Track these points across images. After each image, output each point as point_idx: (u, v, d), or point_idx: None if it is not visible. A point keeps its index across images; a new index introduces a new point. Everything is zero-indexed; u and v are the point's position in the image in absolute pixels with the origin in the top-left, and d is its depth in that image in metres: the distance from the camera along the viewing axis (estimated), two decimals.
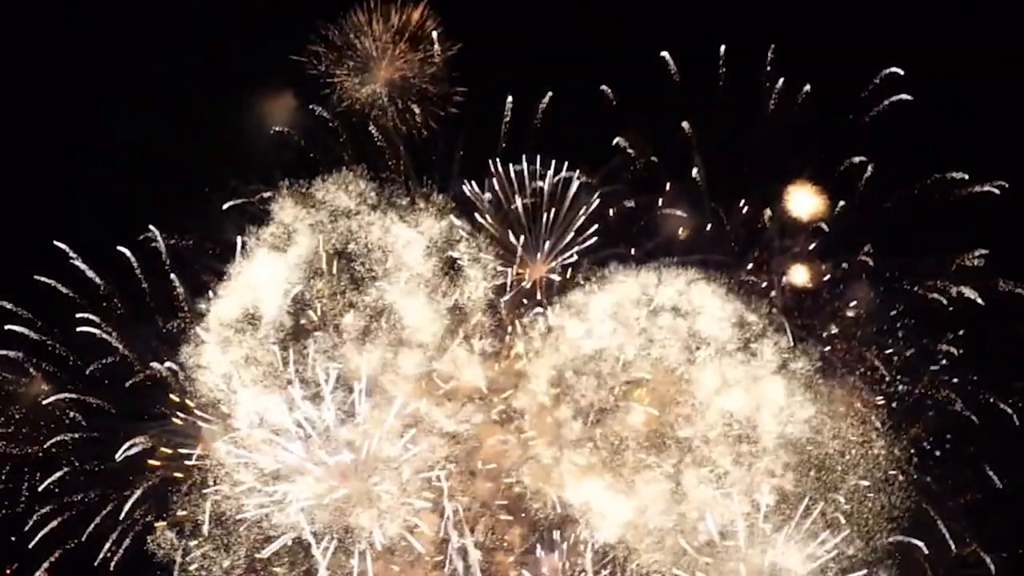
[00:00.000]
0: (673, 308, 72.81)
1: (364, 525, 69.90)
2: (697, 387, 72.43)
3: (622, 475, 71.75)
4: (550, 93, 74.12)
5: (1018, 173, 74.81)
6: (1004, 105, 75.47)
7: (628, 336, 72.46)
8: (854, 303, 75.80)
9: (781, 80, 75.46)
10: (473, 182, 74.39)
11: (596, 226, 73.99)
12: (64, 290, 75.59)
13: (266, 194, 74.04)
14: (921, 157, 74.33)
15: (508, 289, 74.05)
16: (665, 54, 75.46)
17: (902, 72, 74.87)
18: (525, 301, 74.31)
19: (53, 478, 75.79)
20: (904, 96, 74.90)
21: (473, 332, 73.67)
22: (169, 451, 73.88)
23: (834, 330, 75.42)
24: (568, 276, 74.07)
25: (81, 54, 78.45)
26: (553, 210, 73.75)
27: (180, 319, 74.61)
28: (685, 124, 75.88)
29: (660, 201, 76.05)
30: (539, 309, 73.84)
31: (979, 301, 75.24)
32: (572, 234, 74.01)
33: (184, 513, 74.19)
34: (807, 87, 75.53)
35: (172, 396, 73.76)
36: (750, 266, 75.42)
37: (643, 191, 75.61)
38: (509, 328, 74.02)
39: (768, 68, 75.75)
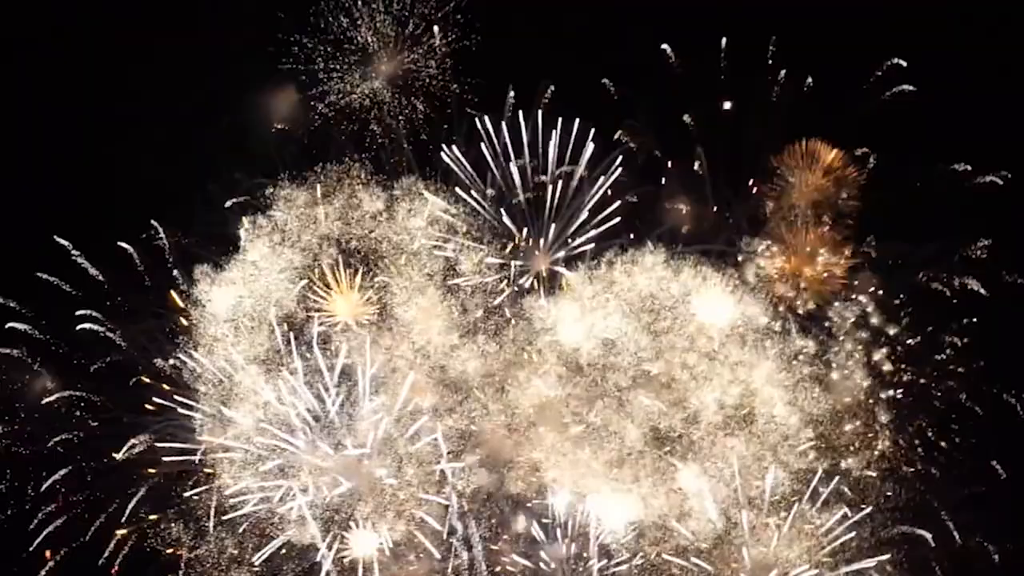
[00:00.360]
0: (677, 299, 73.02)
1: (369, 519, 70.06)
2: (701, 378, 72.57)
3: (628, 467, 71.97)
4: (552, 87, 74.18)
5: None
6: (1008, 96, 75.42)
7: (633, 328, 72.65)
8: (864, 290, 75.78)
9: (783, 72, 75.51)
10: (475, 175, 74.38)
11: (598, 218, 74.06)
12: (67, 287, 75.43)
13: (269, 189, 74.07)
14: (924, 148, 74.20)
15: (511, 281, 74.07)
16: (666, 47, 75.62)
17: (905, 63, 75.00)
18: (528, 293, 74.27)
19: (56, 477, 75.50)
20: (907, 87, 75.00)
21: (477, 325, 73.84)
22: (172, 447, 73.57)
23: (838, 321, 75.26)
24: (571, 268, 73.97)
25: (82, 51, 78.28)
26: (555, 203, 73.81)
27: (183, 314, 74.37)
28: (687, 117, 76.11)
29: (663, 192, 76.03)
30: (542, 301, 73.82)
31: (983, 292, 75.39)
32: (575, 226, 74.05)
33: (187, 510, 74.36)
34: (809, 79, 75.62)
35: (175, 392, 73.43)
36: (754, 256, 75.09)
37: (646, 183, 75.49)
38: (513, 321, 74.06)
39: (770, 61, 75.78)
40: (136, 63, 77.46)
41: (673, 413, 72.11)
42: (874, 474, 73.65)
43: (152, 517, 75.27)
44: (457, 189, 73.92)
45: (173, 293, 74.91)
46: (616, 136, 75.19)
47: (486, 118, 73.42)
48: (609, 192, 74.16)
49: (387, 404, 70.41)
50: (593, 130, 73.04)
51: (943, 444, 75.79)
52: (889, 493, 74.75)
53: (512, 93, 74.19)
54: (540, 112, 73.26)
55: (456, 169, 74.14)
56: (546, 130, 73.18)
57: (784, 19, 75.17)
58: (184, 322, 74.07)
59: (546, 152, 73.47)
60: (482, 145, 73.63)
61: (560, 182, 73.43)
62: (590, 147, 73.21)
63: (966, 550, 75.18)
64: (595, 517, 71.59)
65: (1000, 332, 75.58)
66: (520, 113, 73.21)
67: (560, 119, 73.11)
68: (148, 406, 74.72)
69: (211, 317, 72.46)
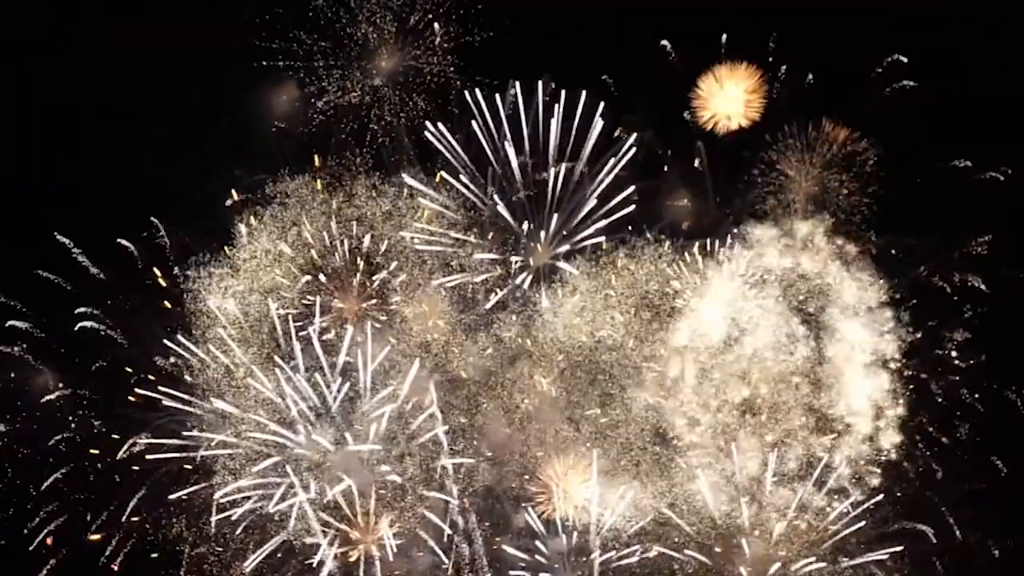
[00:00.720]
0: (676, 293, 73.27)
1: (371, 515, 70.22)
2: (699, 373, 72.76)
3: (628, 461, 72.16)
4: (553, 84, 73.98)
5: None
6: (1008, 92, 75.45)
7: (633, 321, 72.83)
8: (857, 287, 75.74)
9: (784, 67, 75.62)
10: (475, 169, 74.32)
11: (599, 213, 73.93)
12: (67, 286, 75.47)
13: (269, 184, 74.19)
14: (925, 145, 74.26)
15: (512, 276, 74.02)
16: (665, 43, 75.65)
17: (905, 59, 75.08)
18: (529, 287, 74.22)
19: (57, 475, 75.44)
20: (908, 82, 75.04)
21: (478, 321, 73.89)
22: (173, 444, 73.47)
23: (838, 315, 75.18)
24: (572, 261, 73.86)
25: (82, 51, 78.28)
26: (556, 196, 73.68)
27: (183, 311, 74.31)
28: (686, 114, 76.26)
29: (663, 188, 75.94)
30: (543, 297, 73.82)
31: (983, 288, 75.48)
32: (576, 219, 73.92)
33: (188, 508, 74.28)
34: (809, 76, 75.70)
35: (176, 389, 73.37)
36: (754, 250, 75.04)
37: (645, 178, 75.35)
38: (514, 316, 74.10)
39: (770, 58, 75.89)
40: (136, 63, 77.29)
41: (673, 408, 72.36)
42: (876, 469, 73.53)
43: (153, 515, 74.98)
44: (447, 175, 73.93)
45: (156, 270, 75.14)
46: (615, 134, 74.97)
47: (478, 93, 73.36)
48: (610, 179, 74.05)
49: (388, 399, 70.47)
50: (602, 104, 72.89)
51: (944, 440, 75.86)
52: (899, 493, 74.81)
53: (514, 90, 73.98)
54: (541, 105, 73.18)
55: (443, 149, 73.94)
56: (546, 120, 73.12)
57: (784, 16, 75.16)
58: (186, 319, 73.96)
59: (547, 142, 73.34)
60: (475, 125, 73.61)
61: (561, 174, 73.21)
62: (597, 125, 73.00)
63: (966, 546, 75.26)
64: (595, 511, 71.74)
65: (1001, 328, 75.64)
66: (520, 106, 73.17)
67: (563, 93, 72.97)
68: (148, 404, 74.34)
69: (211, 311, 72.64)
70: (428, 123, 74.45)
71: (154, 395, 73.21)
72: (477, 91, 73.10)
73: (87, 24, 78.78)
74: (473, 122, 73.14)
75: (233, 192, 75.28)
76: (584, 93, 72.49)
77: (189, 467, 73.67)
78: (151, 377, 74.51)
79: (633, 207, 73.64)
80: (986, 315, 75.80)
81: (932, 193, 74.33)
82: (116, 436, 75.06)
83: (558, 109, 72.61)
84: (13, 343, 76.01)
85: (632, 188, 73.57)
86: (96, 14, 78.17)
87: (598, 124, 72.84)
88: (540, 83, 72.82)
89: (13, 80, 78.39)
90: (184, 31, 77.56)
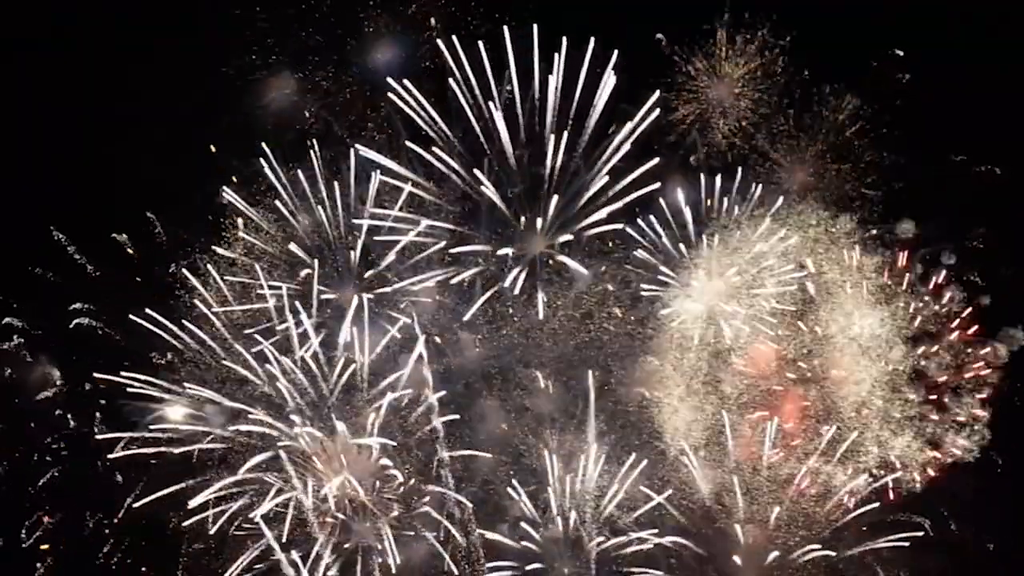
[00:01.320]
0: (672, 288, 73.46)
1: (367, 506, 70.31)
2: (696, 365, 72.88)
3: (624, 448, 72.26)
4: (551, 77, 73.86)
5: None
6: (1007, 87, 75.65)
7: (629, 313, 73.01)
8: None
9: (782, 59, 75.74)
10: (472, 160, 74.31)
11: (596, 203, 73.73)
12: (64, 283, 75.60)
13: (267, 175, 74.35)
14: (923, 139, 74.41)
15: (508, 267, 74.00)
16: (660, 36, 75.84)
17: (902, 53, 75.29)
18: (527, 278, 74.13)
19: (54, 472, 75.52)
20: (905, 76, 75.22)
21: (476, 312, 73.97)
22: (172, 439, 73.46)
23: (833, 305, 75.15)
24: (568, 251, 73.85)
25: (82, 51, 78.54)
26: (553, 188, 73.54)
27: (181, 305, 74.41)
28: (682, 110, 76.41)
29: (660, 180, 75.74)
30: (539, 291, 73.88)
31: (980, 283, 75.56)
32: (573, 212, 73.81)
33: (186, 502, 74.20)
34: (806, 72, 75.93)
35: (174, 384, 73.40)
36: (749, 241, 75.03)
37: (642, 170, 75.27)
38: (511, 308, 74.11)
39: (766, 51, 76.05)
40: (136, 63, 77.54)
41: (669, 400, 72.57)
42: (873, 463, 73.55)
43: (150, 511, 74.81)
44: (434, 157, 73.70)
45: (134, 254, 75.39)
46: (611, 130, 74.94)
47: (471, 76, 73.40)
48: (607, 180, 73.93)
49: (386, 390, 70.58)
50: (616, 53, 72.11)
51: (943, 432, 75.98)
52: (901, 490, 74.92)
53: (514, 85, 73.86)
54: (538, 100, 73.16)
55: (431, 129, 73.74)
56: (544, 118, 73.04)
57: (782, 11, 75.48)
58: (183, 314, 74.02)
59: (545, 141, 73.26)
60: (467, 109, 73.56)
61: (558, 170, 73.07)
62: (607, 85, 72.75)
63: (962, 540, 75.21)
64: (591, 501, 71.79)
65: (998, 324, 75.65)
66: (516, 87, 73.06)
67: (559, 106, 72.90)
68: (145, 399, 74.35)
69: (208, 303, 72.78)
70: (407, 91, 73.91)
71: (168, 396, 73.13)
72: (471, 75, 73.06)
73: (87, 24, 78.93)
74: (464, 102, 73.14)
75: (233, 179, 75.57)
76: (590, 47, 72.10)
77: (186, 462, 73.54)
78: (148, 372, 74.50)
79: (658, 184, 73.00)
80: (983, 310, 75.93)
81: (929, 188, 74.59)
82: (113, 431, 74.92)
83: (558, 62, 72.07)
84: (9, 340, 76.08)
85: (655, 160, 72.63)
86: (96, 14, 78.34)
87: (608, 83, 72.10)
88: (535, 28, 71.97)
89: (13, 80, 78.49)
90: (184, 31, 77.79)
